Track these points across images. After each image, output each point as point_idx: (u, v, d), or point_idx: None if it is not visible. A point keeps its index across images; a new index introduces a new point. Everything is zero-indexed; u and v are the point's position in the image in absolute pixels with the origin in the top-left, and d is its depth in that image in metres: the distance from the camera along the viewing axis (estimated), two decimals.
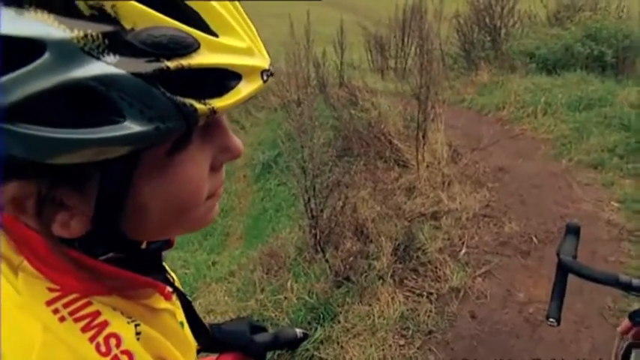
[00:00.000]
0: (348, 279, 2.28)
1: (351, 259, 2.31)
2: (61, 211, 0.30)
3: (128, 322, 0.33)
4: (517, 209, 3.09)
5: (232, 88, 0.29)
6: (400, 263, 2.42)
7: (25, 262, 0.31)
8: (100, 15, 0.24)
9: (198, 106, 0.27)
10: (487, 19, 5.67)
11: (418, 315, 2.11)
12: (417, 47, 4.97)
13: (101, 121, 0.25)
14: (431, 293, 2.25)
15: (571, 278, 0.98)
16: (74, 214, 0.30)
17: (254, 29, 0.32)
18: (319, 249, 2.46)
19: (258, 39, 0.32)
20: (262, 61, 0.31)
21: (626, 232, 2.68)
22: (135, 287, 0.37)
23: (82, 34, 0.24)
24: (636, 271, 2.29)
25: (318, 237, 2.47)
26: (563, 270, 1.02)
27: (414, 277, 2.37)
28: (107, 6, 0.24)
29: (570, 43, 5.55)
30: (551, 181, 3.51)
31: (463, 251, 2.62)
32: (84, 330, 0.30)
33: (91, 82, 0.24)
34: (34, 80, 0.23)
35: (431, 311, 2.14)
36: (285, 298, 2.28)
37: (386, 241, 2.49)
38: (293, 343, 0.77)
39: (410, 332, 2.03)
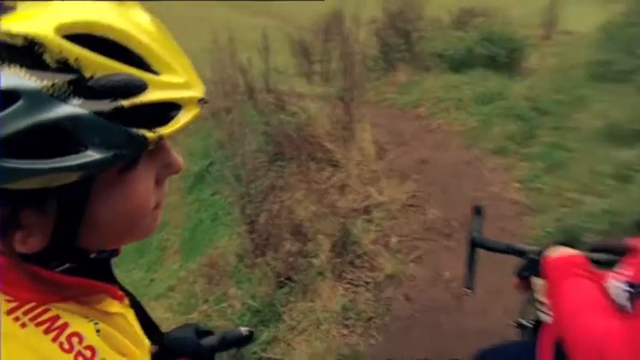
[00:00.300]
0: (289, 279, 2.34)
1: (291, 259, 2.37)
2: (20, 230, 0.33)
3: (87, 322, 0.37)
4: (439, 197, 3.32)
5: (175, 116, 0.35)
6: (338, 258, 2.53)
7: None
8: (65, 67, 0.30)
9: (149, 134, 0.33)
10: (400, 24, 6.06)
11: (358, 304, 2.24)
12: (339, 51, 5.18)
13: (68, 151, 0.30)
14: (368, 282, 2.40)
15: (486, 253, 1.13)
16: (32, 231, 0.34)
17: (188, 62, 0.38)
18: (259, 253, 2.48)
19: (193, 71, 0.38)
20: (198, 91, 0.37)
21: (526, 208, 3.07)
22: (89, 293, 0.40)
23: (50, 83, 0.29)
24: (536, 240, 2.63)
25: (256, 242, 2.50)
26: (473, 245, 1.15)
27: (352, 269, 2.50)
28: (71, 59, 0.30)
29: (471, 45, 6.12)
30: (466, 169, 3.83)
31: (395, 240, 2.80)
32: (46, 332, 0.33)
33: (59, 121, 0.29)
34: (11, 122, 0.28)
35: (369, 299, 2.28)
36: (230, 305, 2.27)
37: (323, 238, 2.59)
38: (240, 342, 0.80)
39: (351, 321, 2.15)
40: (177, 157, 0.41)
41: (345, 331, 2.08)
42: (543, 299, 1.19)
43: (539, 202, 3.15)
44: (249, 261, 2.54)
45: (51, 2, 0.32)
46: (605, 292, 0.77)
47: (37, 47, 0.29)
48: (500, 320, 2.13)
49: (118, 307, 0.43)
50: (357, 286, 2.36)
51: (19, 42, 0.29)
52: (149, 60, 0.34)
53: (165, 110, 0.35)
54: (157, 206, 0.41)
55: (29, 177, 0.30)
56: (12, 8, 0.31)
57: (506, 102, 4.95)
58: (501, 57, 5.96)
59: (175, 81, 0.35)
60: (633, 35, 5.58)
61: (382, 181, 3.47)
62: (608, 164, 3.31)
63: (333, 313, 2.13)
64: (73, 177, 0.31)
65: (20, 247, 0.34)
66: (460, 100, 5.21)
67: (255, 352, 1.97)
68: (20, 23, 0.30)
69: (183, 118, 0.36)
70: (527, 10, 8.72)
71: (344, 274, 2.43)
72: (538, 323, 1.10)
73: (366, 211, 3.08)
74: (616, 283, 0.76)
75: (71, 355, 0.33)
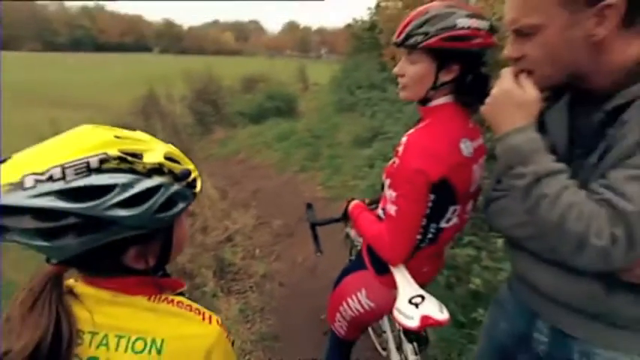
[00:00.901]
0: None
1: (187, 295, 2.36)
2: (143, 256, 0.55)
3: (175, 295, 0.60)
4: (275, 212, 3.60)
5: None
6: (222, 280, 2.59)
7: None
8: (169, 171, 0.52)
9: (193, 194, 0.59)
10: (206, 96, 6.35)
11: (250, 303, 2.35)
12: (161, 125, 5.08)
13: (175, 205, 0.55)
14: (251, 287, 2.55)
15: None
16: (150, 254, 0.55)
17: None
18: None
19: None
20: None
21: (329, 200, 3.79)
22: (174, 287, 0.60)
23: (168, 180, 0.53)
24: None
25: None
26: (312, 226, 1.40)
27: (235, 282, 2.59)
28: (174, 169, 0.53)
29: (261, 102, 6.85)
30: (286, 188, 4.25)
31: (258, 251, 3.03)
32: (167, 302, 0.57)
33: (172, 193, 0.52)
34: (159, 199, 0.51)
35: (256, 297, 2.43)
36: None
37: (205, 270, 2.59)
38: None
39: (250, 317, 2.24)
40: None
41: (248, 325, 2.17)
42: (356, 237, 1.60)
43: (335, 193, 3.80)
44: None
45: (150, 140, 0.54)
46: (376, 216, 1.04)
47: (162, 167, 0.51)
48: (335, 273, 2.62)
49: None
50: (244, 292, 2.48)
51: (156, 166, 0.50)
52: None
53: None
54: None
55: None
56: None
57: (296, 136, 5.68)
58: (283, 107, 6.87)
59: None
60: (349, 83, 7.35)
61: (232, 214, 3.62)
62: (361, 160, 4.18)
63: (235, 318, 2.21)
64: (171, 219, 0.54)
65: (137, 266, 0.54)
66: (266, 142, 5.71)
67: None
68: (148, 155, 0.50)
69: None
70: (288, 73, 10.37)
71: (231, 289, 2.52)
72: (357, 251, 1.42)
73: (229, 239, 3.20)
74: (379, 211, 1.03)
75: (181, 311, 0.56)
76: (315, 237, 1.39)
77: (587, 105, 0.68)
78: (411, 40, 0.83)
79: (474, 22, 0.81)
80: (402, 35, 0.85)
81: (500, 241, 2.13)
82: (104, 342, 0.51)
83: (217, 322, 0.59)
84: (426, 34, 0.80)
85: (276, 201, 3.90)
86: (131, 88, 6.93)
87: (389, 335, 1.44)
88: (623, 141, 0.58)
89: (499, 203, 0.82)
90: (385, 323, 1.52)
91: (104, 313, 0.53)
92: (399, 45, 0.87)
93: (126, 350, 0.51)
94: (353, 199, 1.21)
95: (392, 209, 0.89)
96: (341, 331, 1.24)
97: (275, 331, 2.13)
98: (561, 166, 0.62)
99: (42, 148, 0.47)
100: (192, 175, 0.57)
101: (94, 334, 0.51)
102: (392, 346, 1.40)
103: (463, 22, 0.79)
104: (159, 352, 0.51)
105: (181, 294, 0.62)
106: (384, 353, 1.75)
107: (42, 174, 0.44)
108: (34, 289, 0.49)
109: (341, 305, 1.17)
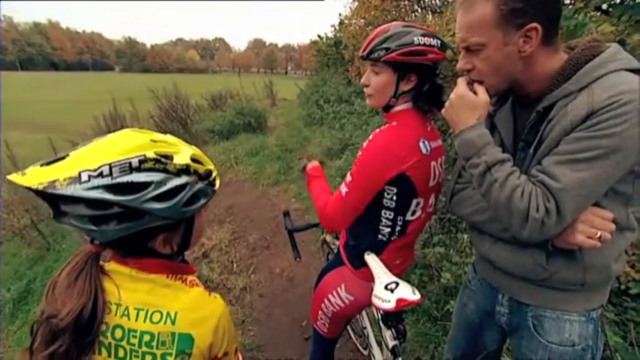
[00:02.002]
0: None
1: None
2: (166, 242, 0.63)
3: (194, 276, 0.67)
4: (250, 226, 3.60)
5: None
6: None
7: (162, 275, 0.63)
8: (195, 171, 0.61)
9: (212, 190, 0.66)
10: (174, 114, 6.22)
11: (231, 316, 2.35)
12: None
13: (198, 200, 0.61)
14: (230, 300, 2.50)
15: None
16: (174, 241, 0.64)
17: None
18: None
19: None
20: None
21: (303, 211, 3.80)
22: (188, 272, 0.67)
23: (193, 179, 0.60)
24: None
25: None
26: (290, 232, 1.44)
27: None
28: (199, 169, 0.61)
29: (230, 118, 6.80)
30: (260, 201, 4.22)
31: (235, 266, 2.99)
32: (183, 282, 0.64)
33: (197, 190, 0.60)
34: (187, 194, 0.58)
35: (237, 310, 2.39)
36: None
37: None
38: None
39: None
40: None
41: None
42: (332, 241, 1.67)
43: (308, 204, 3.80)
44: None
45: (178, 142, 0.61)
46: (327, 185, 1.16)
47: (189, 168, 0.59)
48: (313, 278, 2.64)
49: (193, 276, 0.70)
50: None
51: (184, 167, 0.58)
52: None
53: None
54: None
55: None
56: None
57: (267, 150, 5.68)
58: (253, 123, 6.86)
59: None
60: (317, 98, 7.54)
61: (207, 231, 3.51)
62: (332, 170, 4.22)
63: None
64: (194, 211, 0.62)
65: (164, 250, 0.62)
66: (237, 158, 5.62)
67: None
68: (177, 157, 0.58)
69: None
70: (256, 89, 10.44)
71: None
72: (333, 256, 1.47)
73: (205, 255, 3.13)
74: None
75: (192, 288, 0.65)
76: (294, 243, 1.43)
77: (525, 107, 0.82)
78: (375, 54, 0.94)
79: (428, 40, 0.94)
80: (367, 50, 0.96)
81: (466, 238, 2.30)
82: (126, 313, 0.60)
83: (220, 298, 0.69)
84: (387, 49, 0.92)
85: (251, 215, 3.87)
86: (92, 108, 6.66)
87: (369, 330, 1.50)
88: (551, 134, 0.71)
89: (461, 194, 0.94)
90: (365, 320, 1.58)
91: (128, 288, 0.61)
92: (364, 58, 0.99)
93: (144, 321, 0.59)
94: (310, 156, 1.31)
95: (343, 190, 1.00)
96: (324, 329, 1.29)
97: (258, 342, 2.12)
98: (506, 155, 0.74)
99: (92, 148, 0.56)
100: (213, 175, 0.66)
101: (118, 305, 0.60)
102: (372, 340, 1.46)
103: (419, 39, 0.92)
104: (173, 322, 0.60)
105: None
106: (365, 352, 1.81)
107: (94, 170, 0.53)
108: (78, 264, 0.58)
109: (322, 303, 1.22)
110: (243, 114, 6.77)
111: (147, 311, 0.60)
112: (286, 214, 1.48)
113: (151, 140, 0.59)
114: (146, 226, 0.57)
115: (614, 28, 1.38)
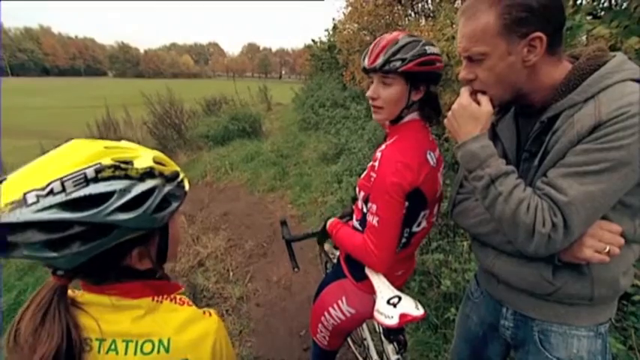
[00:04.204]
0: None
1: None
2: (147, 254, 0.56)
3: (179, 294, 0.62)
4: (246, 233, 3.55)
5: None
6: (196, 305, 2.50)
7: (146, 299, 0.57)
8: (160, 174, 0.54)
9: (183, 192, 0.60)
10: (168, 120, 6.15)
11: (227, 327, 2.26)
12: None
13: (169, 205, 0.56)
14: (227, 310, 2.45)
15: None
16: (151, 253, 0.57)
17: None
18: None
19: None
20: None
21: (299, 217, 3.74)
22: (173, 290, 0.62)
23: (161, 182, 0.54)
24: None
25: None
26: (287, 242, 1.39)
27: (211, 307, 2.50)
28: (164, 171, 0.55)
29: (225, 124, 6.74)
30: (255, 207, 4.17)
31: (231, 274, 2.94)
32: (170, 300, 0.59)
33: (166, 194, 0.54)
34: (155, 199, 0.53)
35: (234, 320, 2.35)
36: None
37: None
38: None
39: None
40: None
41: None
42: (330, 250, 1.64)
43: (305, 210, 3.82)
44: None
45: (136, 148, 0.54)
46: (352, 228, 1.10)
47: (153, 170, 0.53)
48: (312, 288, 2.45)
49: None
50: (220, 316, 2.41)
51: (147, 170, 0.52)
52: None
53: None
54: None
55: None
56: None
57: (263, 156, 5.63)
58: (247, 128, 6.81)
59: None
60: (312, 102, 7.55)
61: (202, 239, 3.49)
62: (328, 176, 4.28)
63: None
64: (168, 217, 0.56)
65: (142, 266, 0.55)
66: (232, 163, 5.55)
67: None
68: (138, 161, 0.52)
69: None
70: (251, 94, 10.40)
71: None
72: (332, 265, 1.44)
73: (201, 264, 3.08)
74: (353, 223, 1.10)
75: (182, 307, 0.60)
76: (292, 253, 1.40)
77: (528, 117, 0.80)
78: (389, 66, 0.90)
79: (434, 49, 0.93)
80: (379, 61, 0.91)
81: (465, 244, 2.28)
82: (112, 347, 0.53)
83: (215, 314, 0.63)
84: (403, 60, 0.89)
85: (247, 222, 3.82)
86: (85, 114, 6.56)
87: (369, 342, 1.47)
88: (556, 145, 0.69)
89: (463, 205, 0.91)
90: (365, 331, 1.55)
91: (108, 321, 0.54)
92: (376, 70, 0.92)
93: (135, 353, 0.53)
94: (330, 217, 1.24)
95: (374, 220, 0.94)
96: (323, 341, 1.25)
97: (256, 353, 2.07)
98: (510, 167, 0.72)
99: (36, 166, 0.49)
100: (181, 176, 0.60)
101: (101, 340, 0.53)
102: (373, 352, 1.43)
103: (429, 49, 0.91)
104: (167, 350, 0.54)
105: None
106: None
107: (42, 189, 0.45)
108: (43, 302, 0.50)
109: (322, 316, 1.18)
110: (238, 119, 6.71)
111: (136, 342, 0.53)
112: (283, 222, 1.44)
113: (105, 147, 0.52)
114: (116, 242, 0.50)
115: (609, 31, 1.38)
